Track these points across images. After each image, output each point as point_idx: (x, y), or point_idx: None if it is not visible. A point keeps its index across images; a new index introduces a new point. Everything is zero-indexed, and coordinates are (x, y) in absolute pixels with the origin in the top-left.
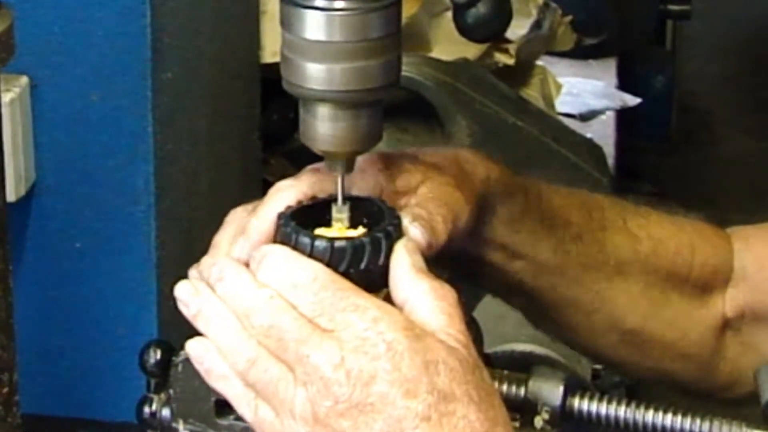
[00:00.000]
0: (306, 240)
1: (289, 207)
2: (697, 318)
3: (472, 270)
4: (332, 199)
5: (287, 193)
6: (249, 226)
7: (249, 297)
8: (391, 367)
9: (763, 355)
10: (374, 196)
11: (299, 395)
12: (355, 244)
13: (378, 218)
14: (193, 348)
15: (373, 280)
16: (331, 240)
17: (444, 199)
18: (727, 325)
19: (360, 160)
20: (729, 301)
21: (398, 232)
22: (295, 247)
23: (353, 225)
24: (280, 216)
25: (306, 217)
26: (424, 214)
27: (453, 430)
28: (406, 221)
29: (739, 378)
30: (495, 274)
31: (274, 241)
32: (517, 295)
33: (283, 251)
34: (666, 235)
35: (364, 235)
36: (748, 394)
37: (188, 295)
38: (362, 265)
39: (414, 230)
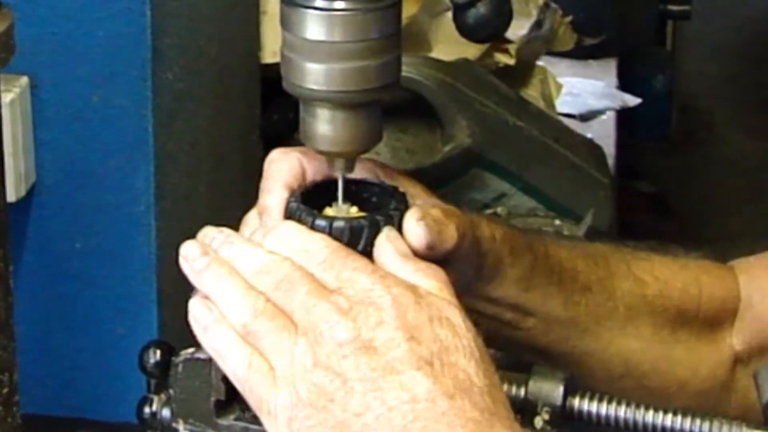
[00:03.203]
0: (309, 219)
1: (297, 189)
2: (707, 354)
3: (484, 329)
4: (333, 181)
5: (283, 163)
6: (265, 204)
7: (259, 258)
8: (397, 314)
9: None
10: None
11: (300, 342)
12: (353, 225)
13: (386, 203)
14: (194, 305)
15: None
16: (348, 220)
17: (452, 212)
18: (736, 358)
19: (360, 157)
20: (737, 334)
21: (400, 217)
22: (312, 228)
23: (364, 208)
24: (291, 198)
25: (315, 196)
26: (436, 214)
27: (454, 379)
28: (412, 219)
29: (750, 409)
30: (506, 333)
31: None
32: (530, 352)
33: (293, 224)
34: (671, 274)
35: (365, 216)
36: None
37: (195, 253)
38: (359, 247)
39: (417, 229)
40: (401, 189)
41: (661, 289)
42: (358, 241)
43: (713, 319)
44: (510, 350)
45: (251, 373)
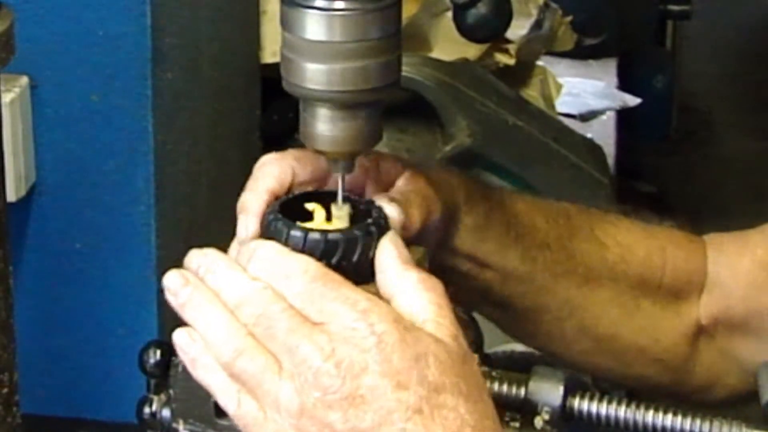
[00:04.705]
0: (298, 234)
1: (275, 201)
2: (670, 324)
3: (444, 281)
4: (314, 192)
5: (273, 167)
6: (245, 202)
7: (241, 288)
8: (381, 359)
9: (737, 361)
10: (358, 189)
11: (285, 387)
12: (348, 237)
13: (364, 213)
14: (179, 337)
15: (363, 273)
16: (325, 232)
17: (419, 191)
18: (701, 331)
19: None
20: (703, 308)
21: (387, 226)
22: (287, 242)
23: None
24: (268, 210)
25: (290, 210)
26: (400, 198)
27: (444, 422)
28: (383, 203)
29: (715, 383)
30: (465, 284)
31: (263, 234)
32: (487, 304)
33: (274, 246)
34: (634, 241)
35: (355, 228)
36: (724, 398)
37: (177, 284)
38: (354, 258)
39: (391, 209)
40: (385, 175)
41: (623, 254)
42: (333, 254)
43: (678, 291)
44: (469, 303)
45: (241, 412)
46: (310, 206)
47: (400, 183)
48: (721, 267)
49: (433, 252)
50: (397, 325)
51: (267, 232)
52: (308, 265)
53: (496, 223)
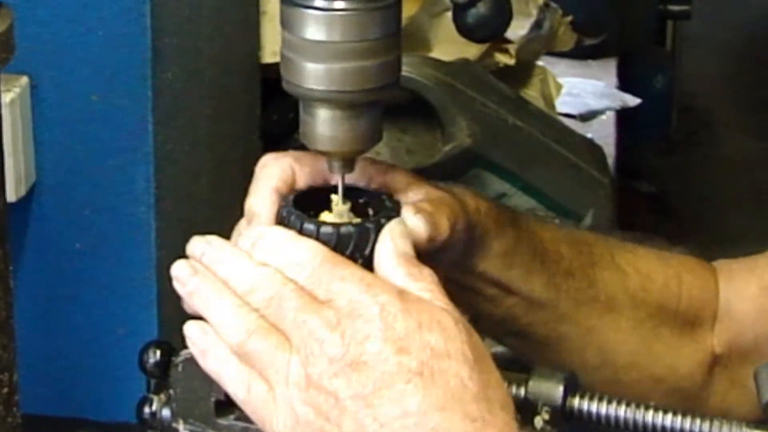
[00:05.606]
0: (311, 227)
1: (290, 193)
2: (687, 353)
3: (467, 305)
4: (330, 187)
5: (274, 167)
6: (252, 206)
7: (250, 275)
8: (384, 326)
9: (750, 391)
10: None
11: (294, 362)
12: (360, 230)
13: (380, 209)
14: (191, 329)
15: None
16: (337, 226)
17: (441, 200)
18: (716, 360)
19: None
20: (717, 336)
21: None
22: (301, 233)
23: (357, 215)
24: (282, 204)
25: (306, 204)
26: (427, 208)
27: (445, 386)
28: (409, 213)
29: (727, 412)
30: (489, 311)
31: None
32: (509, 334)
33: (282, 232)
34: (653, 269)
35: (366, 221)
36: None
37: (185, 274)
38: (366, 251)
39: (416, 221)
40: (395, 184)
41: (643, 282)
42: (346, 247)
43: (694, 318)
44: (490, 331)
45: (251, 397)
46: (333, 197)
47: (417, 193)
48: (730, 293)
49: (450, 272)
50: (401, 296)
51: (281, 225)
52: (316, 250)
53: (524, 249)
